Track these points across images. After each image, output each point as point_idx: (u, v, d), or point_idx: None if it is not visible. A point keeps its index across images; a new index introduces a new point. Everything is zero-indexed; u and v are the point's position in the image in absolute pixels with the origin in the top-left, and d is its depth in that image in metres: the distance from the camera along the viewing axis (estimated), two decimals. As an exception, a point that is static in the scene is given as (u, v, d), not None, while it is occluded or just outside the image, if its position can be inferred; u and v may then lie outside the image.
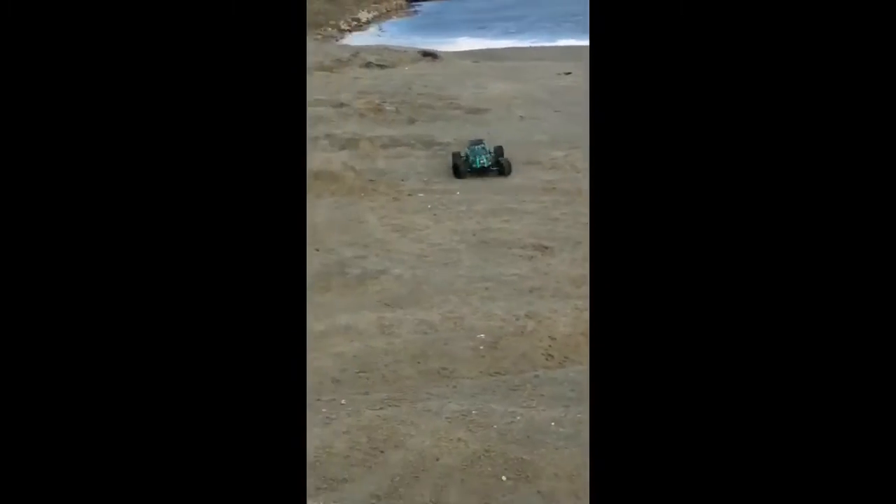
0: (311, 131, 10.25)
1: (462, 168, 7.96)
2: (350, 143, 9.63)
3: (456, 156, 8.23)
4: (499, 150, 8.32)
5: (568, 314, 5.08)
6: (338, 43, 23.67)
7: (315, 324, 5.05)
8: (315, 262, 6.10)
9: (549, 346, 4.71)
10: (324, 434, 3.84)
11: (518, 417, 3.97)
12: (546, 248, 6.06)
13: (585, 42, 19.79)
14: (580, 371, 4.47)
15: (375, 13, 32.39)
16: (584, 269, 5.73)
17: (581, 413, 3.97)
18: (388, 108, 11.65)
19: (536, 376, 4.42)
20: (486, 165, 7.98)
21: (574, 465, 3.58)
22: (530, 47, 20.19)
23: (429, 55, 18.08)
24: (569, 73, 14.52)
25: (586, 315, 5.02)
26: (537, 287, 5.35)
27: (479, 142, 8.50)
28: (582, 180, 8.01)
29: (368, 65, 16.65)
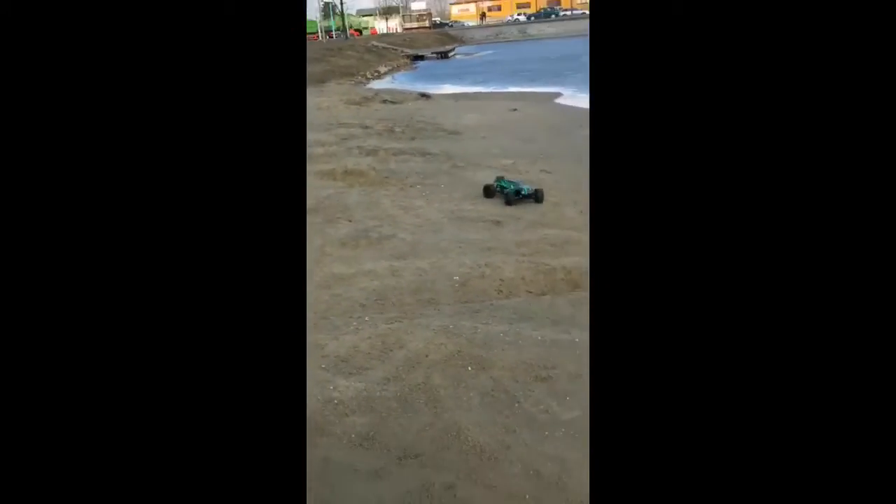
0: (347, 144, 10.25)
1: (511, 197, 6.69)
2: (372, 152, 9.53)
3: (502, 188, 6.87)
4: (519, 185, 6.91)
5: (512, 265, 5.08)
6: (365, 87, 23.40)
7: (347, 269, 5.06)
8: (349, 229, 6.09)
9: (500, 285, 4.76)
10: (354, 340, 3.91)
11: (479, 330, 4.03)
12: (498, 222, 6.17)
13: (527, 89, 19.85)
14: (519, 301, 4.50)
15: (390, 67, 32.71)
16: (522, 237, 5.81)
17: (519, 328, 4.05)
18: (397, 129, 11.45)
19: (491, 304, 4.46)
20: (528, 193, 6.71)
21: (513, 361, 3.66)
22: (490, 92, 20.03)
23: (424, 96, 17.92)
24: (515, 110, 14.53)
25: (525, 265, 5.09)
26: (493, 247, 5.50)
27: (502, 178, 7.15)
28: (521, 176, 7.69)
29: (384, 101, 16.40)
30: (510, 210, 6.61)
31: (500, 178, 7.11)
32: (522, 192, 6.78)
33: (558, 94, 17.52)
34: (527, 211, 6.54)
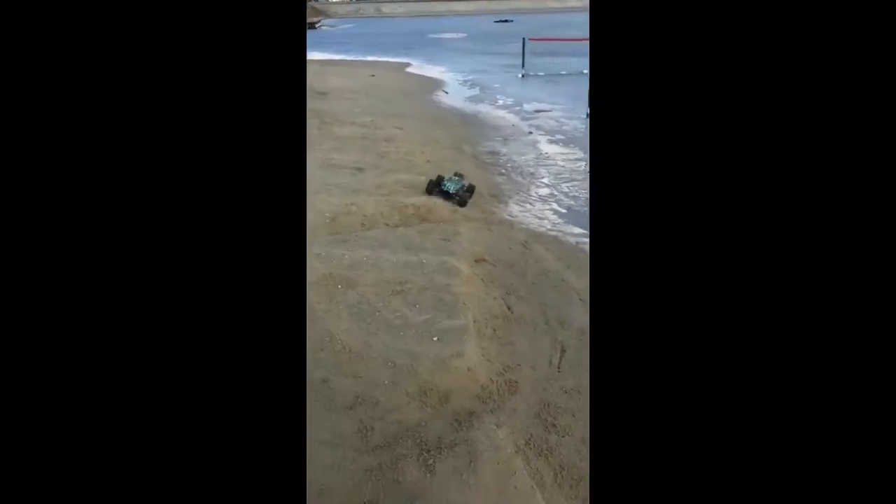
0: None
1: (432, 188, 5.25)
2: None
3: (433, 182, 5.29)
4: (471, 188, 5.23)
5: (372, 203, 4.98)
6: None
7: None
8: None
9: (363, 219, 4.69)
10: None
11: (346, 256, 3.97)
12: (361, 169, 5.87)
13: (383, 58, 19.29)
14: (378, 232, 4.45)
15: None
16: (380, 180, 5.68)
17: (378, 253, 4.01)
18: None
19: (356, 235, 4.38)
20: (451, 191, 5.15)
21: (374, 279, 3.65)
22: (352, 60, 19.23)
23: (293, 60, 16.95)
24: (373, 76, 14.11)
25: (383, 203, 5.04)
26: (357, 189, 5.33)
27: (462, 176, 5.49)
28: (380, 132, 7.67)
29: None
30: (370, 158, 6.50)
31: (460, 176, 5.46)
32: (445, 188, 5.20)
33: (408, 64, 17.21)
34: (383, 160, 6.48)
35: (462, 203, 5.09)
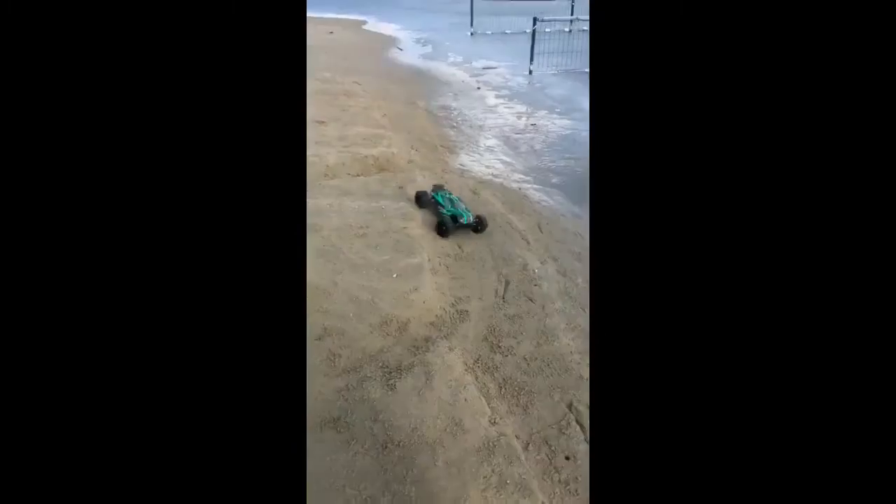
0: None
1: (450, 225, 3.57)
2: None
3: (437, 202, 3.81)
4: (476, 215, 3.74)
5: (335, 155, 4.81)
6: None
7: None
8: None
9: (326, 169, 4.55)
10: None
11: (311, 203, 3.85)
12: (322, 122, 5.67)
13: (340, 16, 18.30)
14: (341, 181, 4.36)
15: None
16: (341, 133, 5.49)
17: (341, 201, 3.92)
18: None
19: (320, 185, 4.25)
20: (468, 223, 3.61)
21: (338, 224, 3.57)
22: (311, 16, 18.04)
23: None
24: (331, 33, 13.40)
25: (344, 154, 4.91)
26: (319, 142, 5.06)
27: (441, 187, 3.98)
28: (339, 88, 7.34)
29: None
30: (334, 112, 6.28)
31: (438, 189, 3.98)
32: (462, 221, 3.63)
33: (364, 22, 16.44)
34: (343, 113, 6.28)
35: (480, 230, 3.67)
